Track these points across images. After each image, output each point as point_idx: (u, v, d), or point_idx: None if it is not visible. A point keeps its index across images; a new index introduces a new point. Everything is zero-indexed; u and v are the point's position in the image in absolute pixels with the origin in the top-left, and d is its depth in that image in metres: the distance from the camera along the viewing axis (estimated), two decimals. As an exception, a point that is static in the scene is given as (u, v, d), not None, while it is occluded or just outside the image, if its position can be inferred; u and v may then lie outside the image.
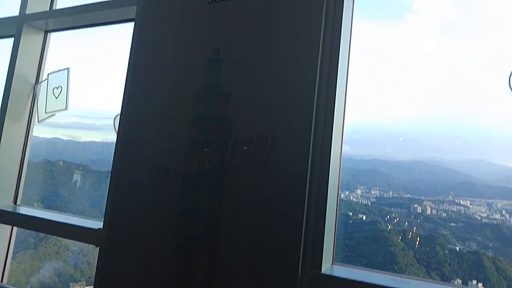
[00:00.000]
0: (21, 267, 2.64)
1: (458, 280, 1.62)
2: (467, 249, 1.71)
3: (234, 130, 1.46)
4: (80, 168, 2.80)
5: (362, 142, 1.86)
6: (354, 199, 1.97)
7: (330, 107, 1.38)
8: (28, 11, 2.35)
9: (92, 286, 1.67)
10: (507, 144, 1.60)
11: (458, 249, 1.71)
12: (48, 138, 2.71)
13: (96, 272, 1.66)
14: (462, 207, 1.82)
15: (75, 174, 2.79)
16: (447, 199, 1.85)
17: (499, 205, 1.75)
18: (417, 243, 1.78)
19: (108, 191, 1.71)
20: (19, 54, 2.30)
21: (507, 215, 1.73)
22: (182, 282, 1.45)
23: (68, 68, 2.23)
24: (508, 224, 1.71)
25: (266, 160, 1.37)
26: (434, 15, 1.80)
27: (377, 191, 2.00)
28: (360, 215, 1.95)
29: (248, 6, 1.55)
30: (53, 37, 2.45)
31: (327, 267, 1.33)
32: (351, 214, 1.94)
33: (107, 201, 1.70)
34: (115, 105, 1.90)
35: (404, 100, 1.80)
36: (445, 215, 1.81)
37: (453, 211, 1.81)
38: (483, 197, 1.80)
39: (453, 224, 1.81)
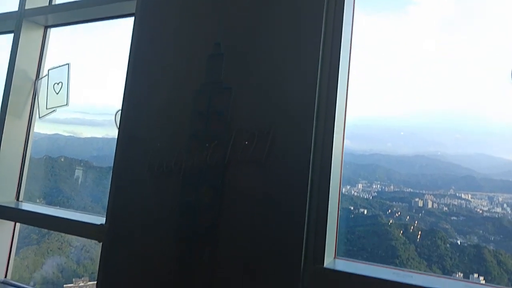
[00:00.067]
0: (24, 263, 2.66)
1: (459, 273, 1.63)
2: (469, 243, 1.71)
3: (235, 125, 1.45)
4: (82, 164, 2.80)
5: (363, 136, 1.86)
6: (355, 194, 1.98)
7: (331, 101, 1.37)
8: (28, 6, 2.33)
9: (95, 282, 1.68)
10: (508, 137, 1.60)
11: (459, 243, 1.72)
12: (49, 134, 2.71)
13: (99, 267, 1.67)
14: (463, 201, 1.82)
15: (76, 170, 2.80)
16: (448, 193, 1.85)
17: (500, 199, 1.76)
18: (418, 237, 1.79)
19: (110, 186, 1.71)
20: (19, 50, 2.29)
21: (508, 209, 1.73)
22: (185, 276, 1.46)
23: (68, 64, 2.23)
24: (509, 217, 1.72)
25: (267, 155, 1.37)
26: (435, 11, 1.79)
27: (378, 186, 2.00)
28: (362, 210, 1.96)
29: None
30: (53, 32, 2.45)
31: (329, 261, 1.33)
32: (352, 208, 1.95)
33: (109, 196, 1.70)
34: (116, 100, 1.90)
35: (405, 95, 1.80)
36: (446, 209, 1.81)
37: (454, 205, 1.81)
38: (484, 190, 1.80)
39: (455, 217, 1.82)
